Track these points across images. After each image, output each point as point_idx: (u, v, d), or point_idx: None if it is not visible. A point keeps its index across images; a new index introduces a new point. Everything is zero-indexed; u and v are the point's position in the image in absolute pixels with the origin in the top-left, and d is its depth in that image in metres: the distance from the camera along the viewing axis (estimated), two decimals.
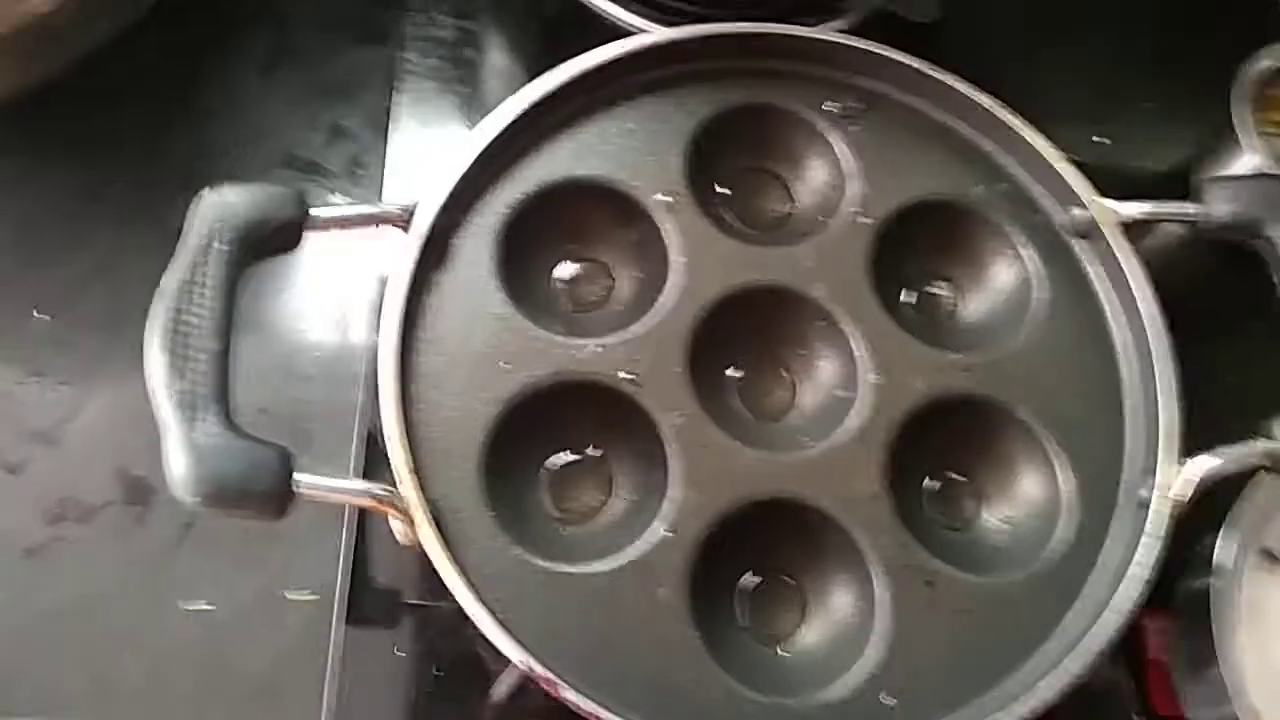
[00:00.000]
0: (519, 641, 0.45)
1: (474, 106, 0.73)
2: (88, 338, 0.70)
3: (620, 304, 0.57)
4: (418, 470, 0.48)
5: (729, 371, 0.56)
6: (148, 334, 0.43)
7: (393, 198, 0.68)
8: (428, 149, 0.72)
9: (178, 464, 0.41)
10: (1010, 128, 0.59)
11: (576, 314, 0.57)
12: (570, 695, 0.44)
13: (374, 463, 0.62)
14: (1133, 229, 0.57)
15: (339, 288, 0.72)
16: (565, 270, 0.58)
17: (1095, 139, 0.76)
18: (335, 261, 0.73)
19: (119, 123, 0.75)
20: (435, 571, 0.59)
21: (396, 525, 0.47)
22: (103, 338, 0.70)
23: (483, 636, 0.56)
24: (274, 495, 0.42)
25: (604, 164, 0.57)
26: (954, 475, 0.55)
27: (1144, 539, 0.49)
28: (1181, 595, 0.58)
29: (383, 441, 0.61)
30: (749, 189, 0.60)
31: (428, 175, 0.70)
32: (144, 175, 0.74)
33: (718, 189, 0.60)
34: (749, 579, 0.52)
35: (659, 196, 0.56)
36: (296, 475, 0.43)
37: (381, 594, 0.59)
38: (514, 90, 0.57)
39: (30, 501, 0.65)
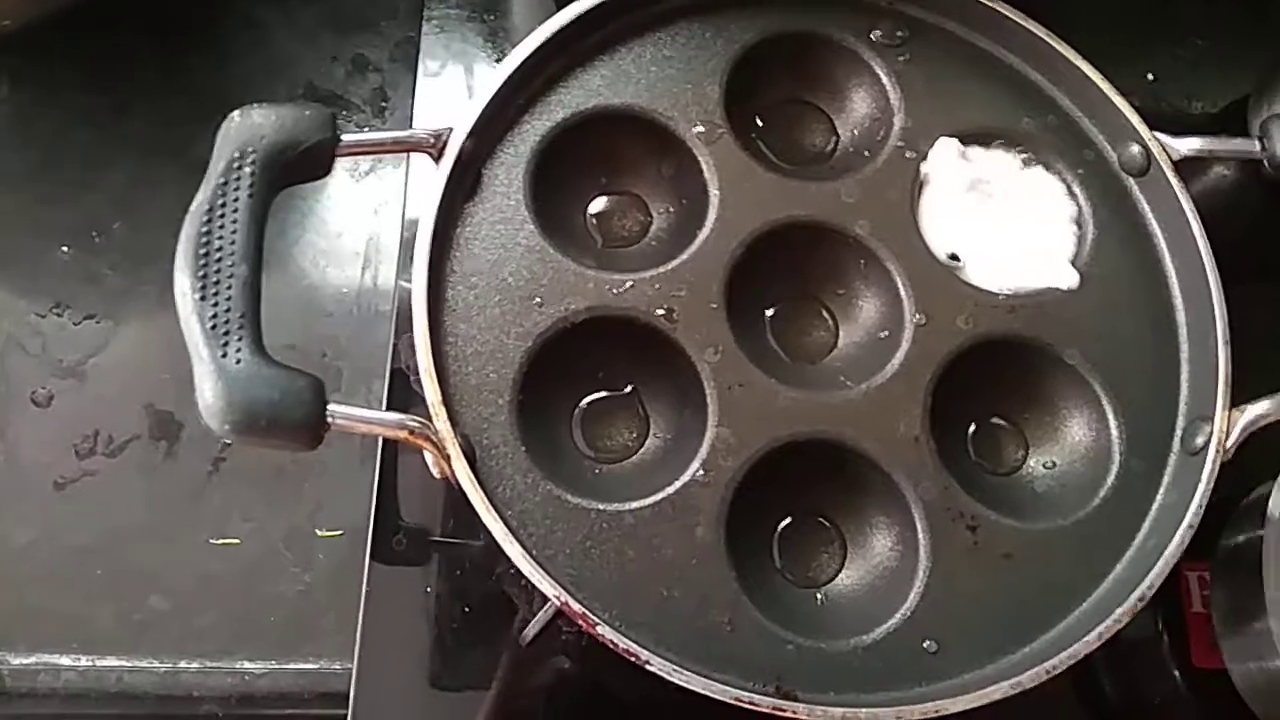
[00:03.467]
0: (553, 578, 0.44)
1: (502, 35, 0.71)
2: (111, 271, 0.69)
3: (655, 239, 0.56)
4: (449, 404, 0.47)
5: (766, 310, 0.55)
6: (176, 257, 0.42)
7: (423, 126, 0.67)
8: (456, 78, 0.71)
9: (209, 391, 0.40)
10: (1063, 59, 0.56)
11: (609, 248, 0.56)
12: (605, 632, 0.44)
13: (401, 400, 0.61)
14: (1183, 169, 0.55)
15: (363, 224, 0.71)
16: (599, 203, 0.56)
17: (1146, 76, 0.73)
18: (359, 197, 0.71)
19: (138, 52, 0.74)
20: (466, 509, 0.59)
21: (430, 459, 0.46)
22: (126, 271, 0.69)
23: (514, 574, 0.56)
24: (307, 425, 0.41)
25: (640, 93, 0.55)
26: (998, 419, 0.54)
27: (1199, 488, 0.48)
28: (1226, 548, 0.57)
29: (412, 379, 0.61)
30: (789, 121, 0.58)
31: (458, 104, 0.69)
32: (163, 106, 0.73)
33: (757, 121, 0.58)
34: (787, 521, 0.51)
35: (697, 128, 0.54)
36: (330, 406, 0.42)
37: (409, 531, 0.59)
38: (542, 17, 0.55)
39: (59, 435, 0.65)
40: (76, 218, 0.70)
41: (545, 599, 0.52)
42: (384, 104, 0.75)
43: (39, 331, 0.67)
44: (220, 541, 0.64)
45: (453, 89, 0.70)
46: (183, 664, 0.61)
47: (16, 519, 0.63)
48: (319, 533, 0.64)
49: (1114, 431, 0.51)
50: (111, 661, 0.61)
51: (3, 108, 0.72)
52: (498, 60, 0.70)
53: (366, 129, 0.74)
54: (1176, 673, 0.58)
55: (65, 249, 0.69)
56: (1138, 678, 0.59)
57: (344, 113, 0.75)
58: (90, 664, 0.61)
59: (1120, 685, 0.59)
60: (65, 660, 0.61)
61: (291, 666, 0.61)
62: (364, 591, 0.57)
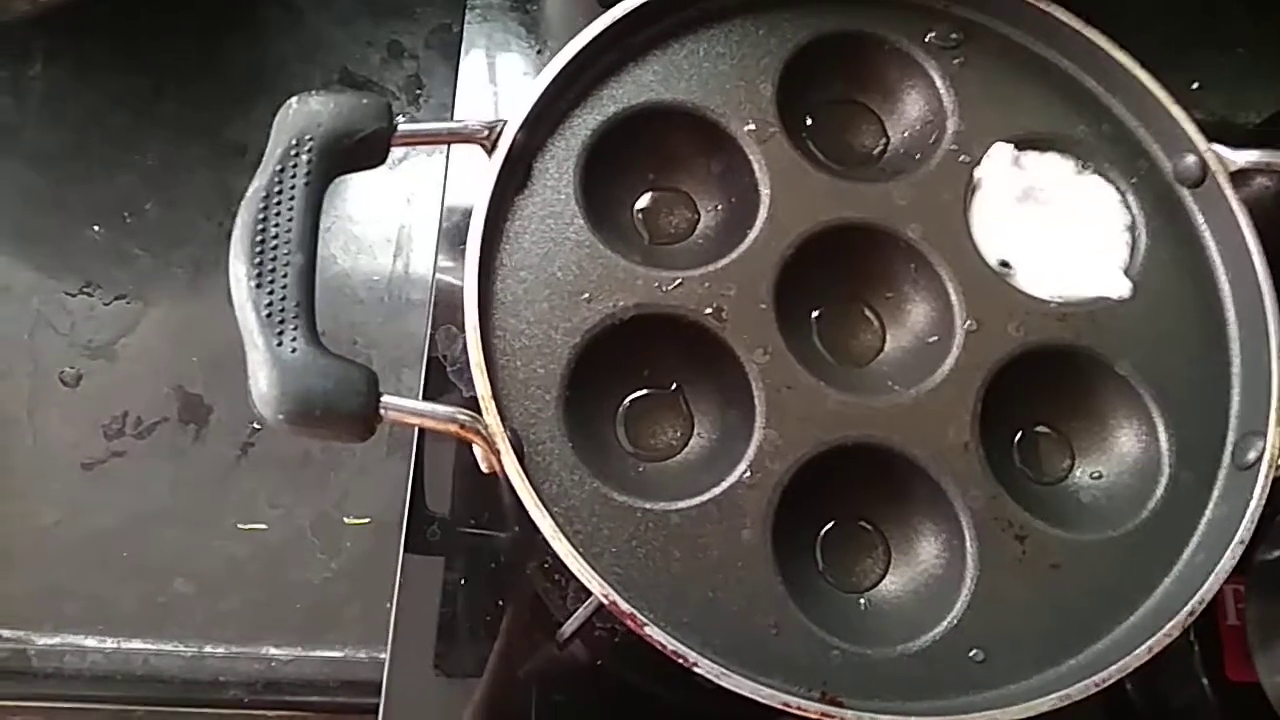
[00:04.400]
0: (601, 576, 0.44)
1: (544, 26, 0.70)
2: (142, 252, 0.69)
3: (702, 236, 0.55)
4: (498, 399, 0.46)
5: (813, 312, 0.54)
6: (232, 243, 0.42)
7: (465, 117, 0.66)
8: (497, 68, 0.70)
9: (263, 380, 0.40)
10: (1120, 67, 0.56)
11: (656, 245, 0.55)
12: (654, 633, 0.43)
13: (437, 390, 0.61)
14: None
15: (396, 212, 0.70)
16: (646, 199, 0.56)
17: (1191, 85, 0.72)
18: (392, 185, 0.71)
19: (172, 32, 0.73)
20: (498, 502, 0.59)
21: (479, 453, 0.45)
22: (157, 252, 0.69)
23: (547, 569, 0.56)
24: (361, 416, 0.41)
25: (692, 89, 0.54)
26: (1045, 427, 0.53)
27: (1251, 503, 0.47)
28: (1263, 563, 0.57)
29: (449, 370, 0.61)
30: (839, 122, 0.58)
31: (506, 96, 0.68)
32: (197, 88, 0.73)
33: (807, 120, 0.57)
34: (830, 525, 0.51)
35: (748, 126, 0.54)
36: (384, 397, 0.41)
37: (443, 523, 0.58)
38: (583, 10, 0.54)
39: (88, 416, 0.64)
40: (108, 198, 0.69)
41: (580, 596, 0.52)
42: (419, 91, 0.75)
43: (68, 311, 0.67)
44: (247, 527, 0.63)
45: (494, 79, 0.69)
46: (208, 648, 0.61)
47: (44, 499, 0.63)
48: (346, 520, 0.64)
49: (1164, 443, 0.51)
50: (137, 644, 0.61)
51: (36, 85, 0.72)
52: (538, 51, 0.70)
53: (401, 116, 0.74)
54: (1208, 685, 0.58)
55: (96, 229, 0.69)
56: (1169, 689, 0.59)
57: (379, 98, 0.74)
58: (116, 646, 0.61)
59: (1151, 696, 0.59)
60: (91, 642, 0.61)
61: (317, 654, 0.61)
62: (397, 582, 0.57)
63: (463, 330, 0.47)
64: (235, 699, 0.60)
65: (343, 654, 0.61)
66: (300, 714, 0.62)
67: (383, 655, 0.56)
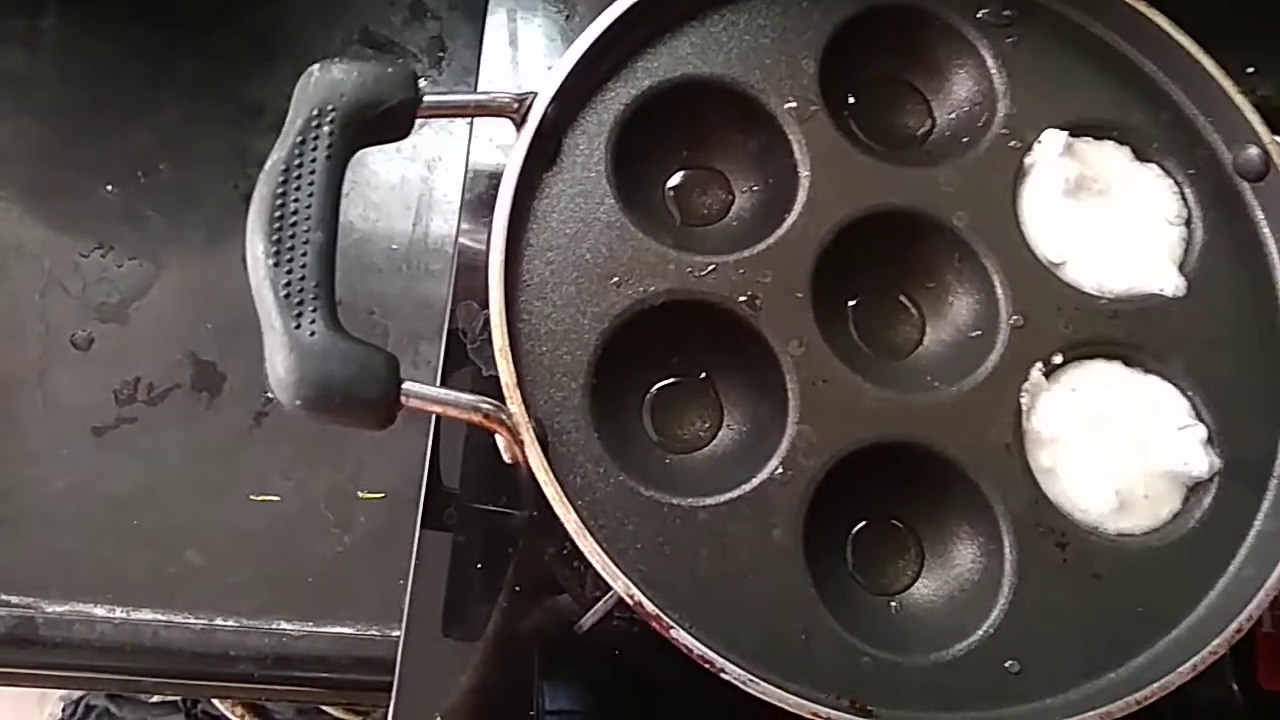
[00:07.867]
0: (627, 575, 0.42)
1: None
2: (155, 213, 0.67)
3: (736, 219, 0.53)
4: (521, 387, 0.45)
5: (849, 301, 0.52)
6: (249, 218, 0.40)
7: (489, 86, 0.64)
8: (522, 34, 0.67)
9: (281, 364, 0.38)
10: (1184, 52, 0.53)
11: (688, 226, 0.53)
12: (680, 636, 0.42)
13: (456, 365, 0.59)
14: None
15: (416, 179, 0.68)
16: (678, 177, 0.54)
17: (1246, 69, 0.69)
18: (413, 150, 0.69)
19: None
20: (515, 483, 0.58)
21: (502, 443, 0.44)
22: (171, 214, 0.67)
23: (565, 556, 0.55)
24: (381, 404, 0.39)
25: (731, 63, 0.52)
26: None
27: None
28: None
29: (469, 347, 0.59)
30: (883, 101, 0.55)
31: (531, 60, 0.66)
32: (213, 43, 0.70)
33: (849, 99, 0.55)
34: (861, 524, 0.49)
35: (789, 103, 0.51)
36: (405, 384, 0.40)
37: (458, 502, 0.57)
38: None
39: (99, 380, 0.63)
40: (122, 156, 0.68)
41: (599, 583, 0.50)
42: (441, 54, 0.72)
43: (80, 272, 0.66)
44: (259, 498, 0.62)
45: (519, 43, 0.67)
46: (219, 621, 0.60)
47: (54, 464, 0.62)
48: (360, 494, 0.62)
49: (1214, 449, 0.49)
50: (146, 614, 0.60)
51: (48, 37, 0.70)
52: (566, 16, 0.67)
53: (424, 80, 0.71)
54: (1239, 693, 0.57)
55: (110, 188, 0.67)
56: (1198, 694, 0.57)
57: (399, 61, 0.71)
58: (125, 616, 0.60)
59: (1178, 701, 0.57)
60: (100, 610, 0.60)
61: (330, 630, 0.60)
62: (413, 561, 0.56)
63: (484, 306, 0.45)
64: (245, 674, 0.60)
65: (355, 630, 0.60)
66: (311, 690, 0.61)
67: (395, 633, 0.55)
